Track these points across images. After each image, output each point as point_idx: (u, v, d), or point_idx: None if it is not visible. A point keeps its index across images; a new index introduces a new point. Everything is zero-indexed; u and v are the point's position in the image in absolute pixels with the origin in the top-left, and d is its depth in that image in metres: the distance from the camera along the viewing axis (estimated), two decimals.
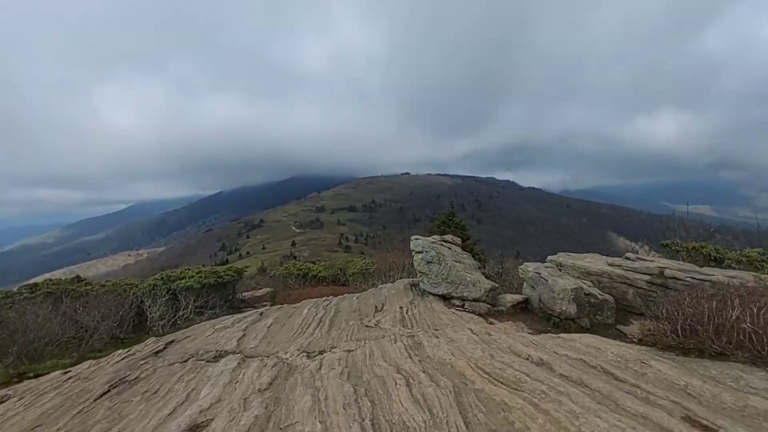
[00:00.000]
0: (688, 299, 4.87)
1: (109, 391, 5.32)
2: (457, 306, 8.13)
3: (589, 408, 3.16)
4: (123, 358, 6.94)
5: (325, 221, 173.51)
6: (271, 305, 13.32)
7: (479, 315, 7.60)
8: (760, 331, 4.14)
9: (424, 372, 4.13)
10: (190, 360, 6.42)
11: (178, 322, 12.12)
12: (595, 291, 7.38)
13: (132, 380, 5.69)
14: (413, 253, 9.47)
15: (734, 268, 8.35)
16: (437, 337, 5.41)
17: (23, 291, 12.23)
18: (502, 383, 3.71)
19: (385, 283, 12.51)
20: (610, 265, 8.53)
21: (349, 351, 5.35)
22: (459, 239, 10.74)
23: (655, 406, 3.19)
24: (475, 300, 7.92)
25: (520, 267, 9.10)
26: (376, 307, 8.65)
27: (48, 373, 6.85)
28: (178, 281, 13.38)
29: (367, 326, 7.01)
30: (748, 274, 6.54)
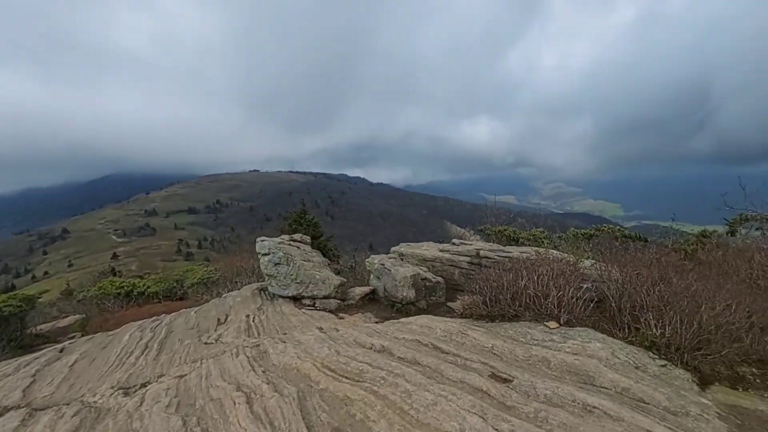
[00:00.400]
0: (493, 274, 5.94)
1: None
2: (308, 305, 8.07)
3: (420, 384, 3.52)
4: None
5: (157, 226, 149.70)
6: (81, 336, 10.80)
7: (330, 312, 7.71)
8: (539, 294, 5.35)
9: (267, 383, 3.91)
10: None
11: None
12: (430, 275, 8.36)
13: None
14: (259, 256, 8.96)
15: (526, 245, 10.66)
16: (284, 342, 5.23)
17: None
18: (345, 378, 3.80)
19: (230, 290, 11.52)
20: (441, 251, 9.79)
21: (180, 376, 4.67)
22: (308, 237, 10.66)
23: (470, 370, 3.77)
24: (325, 297, 8.00)
25: (366, 260, 9.61)
26: (218, 319, 7.86)
27: None
28: None
29: (206, 343, 6.28)
30: (532, 249, 8.43)
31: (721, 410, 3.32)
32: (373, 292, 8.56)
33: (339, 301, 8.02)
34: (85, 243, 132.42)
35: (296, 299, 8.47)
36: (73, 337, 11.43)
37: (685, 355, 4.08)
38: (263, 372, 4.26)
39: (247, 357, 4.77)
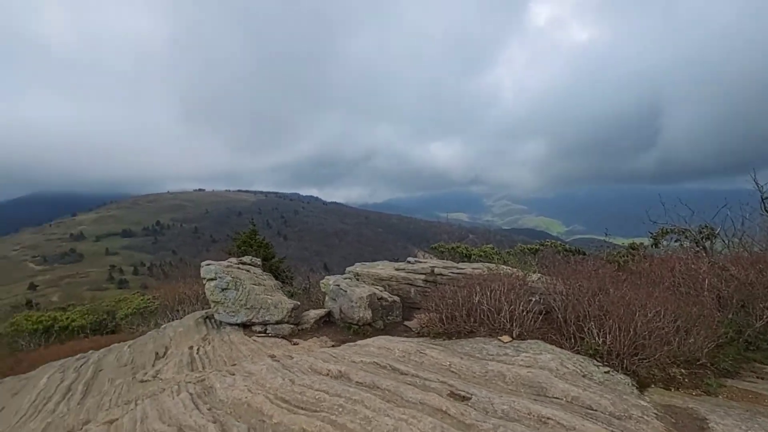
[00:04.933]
0: (449, 291, 6.07)
1: None
2: (260, 332, 7.69)
3: (379, 409, 3.45)
4: None
5: (85, 252, 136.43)
6: None
7: (283, 338, 7.41)
8: (492, 309, 5.53)
9: (214, 422, 3.63)
10: None
11: None
12: (386, 294, 8.35)
13: None
14: (204, 281, 8.44)
15: (477, 261, 11.05)
16: (233, 375, 4.91)
17: None
18: (301, 409, 3.64)
19: (172, 320, 10.70)
20: (396, 269, 9.84)
21: (111, 422, 4.20)
22: (258, 260, 10.24)
23: (429, 391, 3.76)
24: (278, 323, 7.67)
25: (321, 281, 9.41)
26: (156, 353, 7.23)
27: None
28: None
29: (141, 381, 5.74)
30: (483, 265, 8.74)
31: (658, 411, 3.59)
32: (329, 314, 8.37)
33: (293, 326, 7.73)
34: None
35: (246, 326, 8.05)
36: None
37: (625, 360, 4.39)
38: (209, 410, 3.95)
39: (190, 394, 4.41)
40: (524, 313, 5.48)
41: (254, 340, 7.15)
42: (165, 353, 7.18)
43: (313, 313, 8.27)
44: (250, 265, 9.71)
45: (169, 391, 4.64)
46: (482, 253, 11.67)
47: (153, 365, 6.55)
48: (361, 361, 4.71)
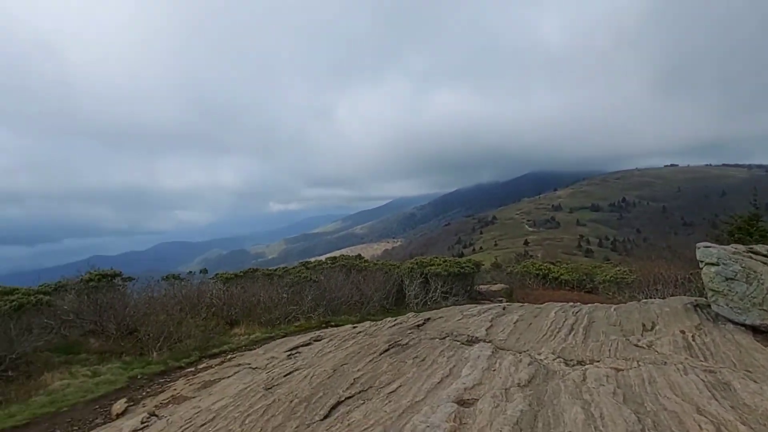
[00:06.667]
0: None
1: (388, 349, 6.30)
2: None
3: None
4: (394, 325, 8.23)
5: (561, 221, 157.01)
6: (507, 301, 13.23)
7: None
8: None
9: (743, 423, 3.10)
10: (447, 338, 6.98)
11: (428, 303, 13.83)
12: None
13: (403, 345, 6.53)
14: (702, 265, 7.24)
15: None
16: (755, 381, 3.95)
17: (328, 261, 16.91)
18: None
19: (647, 297, 10.16)
20: None
21: (617, 369, 4.65)
22: None
23: None
24: None
25: None
26: (643, 324, 7.15)
27: (342, 325, 8.87)
28: (429, 267, 15.26)
29: (636, 345, 5.89)
30: None
31: None
32: None
33: None
34: (505, 228, 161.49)
35: (758, 331, 6.20)
36: (501, 301, 14.27)
37: None
38: (731, 407, 3.42)
39: (702, 380, 4.00)
40: None
41: None
42: (652, 327, 6.96)
43: None
44: (765, 256, 7.27)
45: (674, 367, 4.46)
46: None
47: (643, 335, 6.55)
48: None
